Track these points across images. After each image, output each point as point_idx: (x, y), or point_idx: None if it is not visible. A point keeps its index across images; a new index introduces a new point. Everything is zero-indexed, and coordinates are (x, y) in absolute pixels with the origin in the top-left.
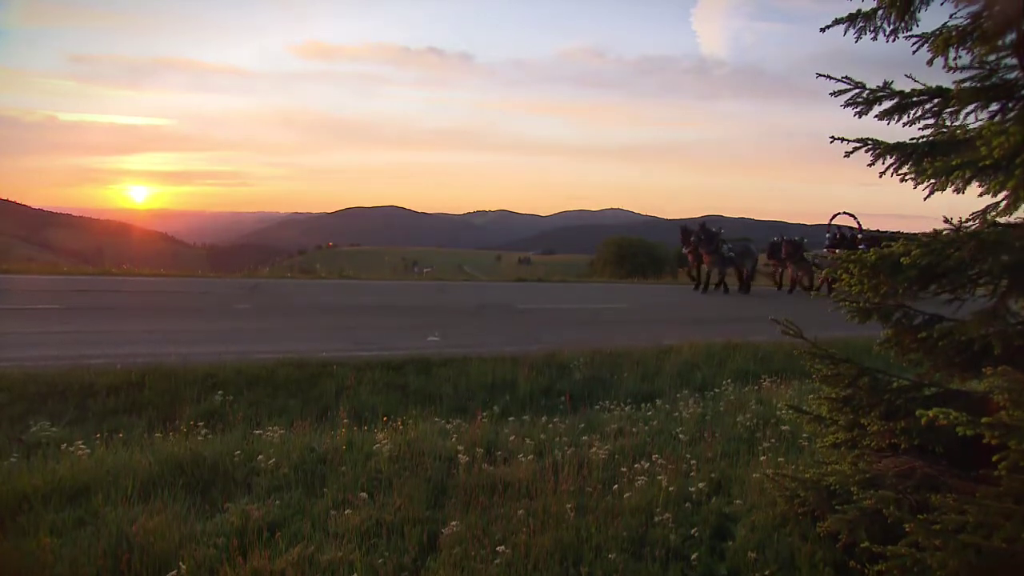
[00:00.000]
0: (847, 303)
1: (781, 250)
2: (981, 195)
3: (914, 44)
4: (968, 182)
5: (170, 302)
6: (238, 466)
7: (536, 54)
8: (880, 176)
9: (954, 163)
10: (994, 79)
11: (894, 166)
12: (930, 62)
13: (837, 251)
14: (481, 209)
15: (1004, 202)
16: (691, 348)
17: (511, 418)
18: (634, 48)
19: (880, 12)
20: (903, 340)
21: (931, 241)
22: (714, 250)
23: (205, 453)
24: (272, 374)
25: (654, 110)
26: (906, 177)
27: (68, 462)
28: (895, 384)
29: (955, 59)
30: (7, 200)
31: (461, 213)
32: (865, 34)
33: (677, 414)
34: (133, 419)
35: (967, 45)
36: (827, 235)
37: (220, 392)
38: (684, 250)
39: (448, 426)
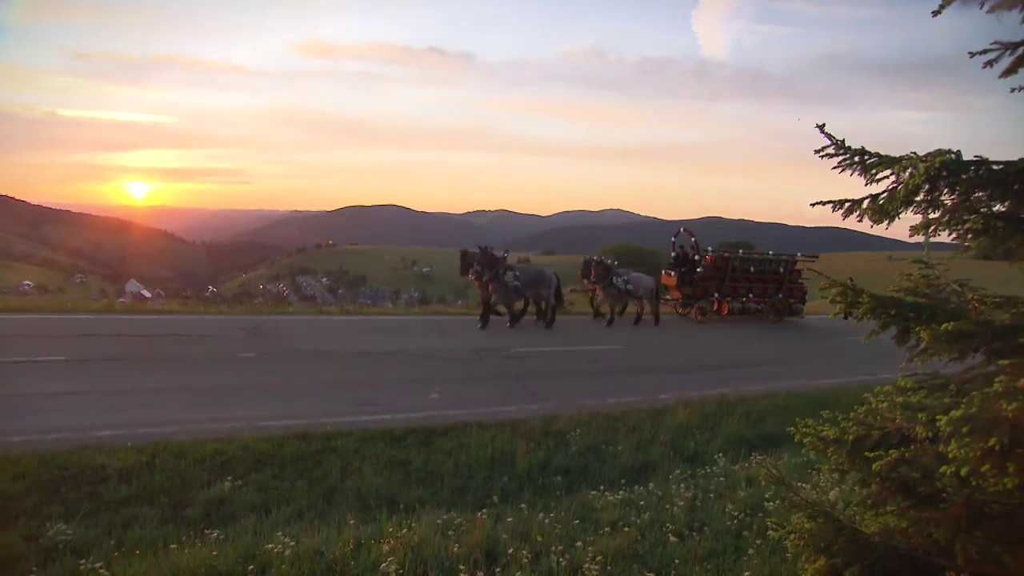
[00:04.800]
0: (830, 466)
1: (591, 271)
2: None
3: (901, 216)
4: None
5: (173, 350)
6: None
7: (537, 54)
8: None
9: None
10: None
11: None
12: (910, 235)
13: (672, 273)
14: (481, 209)
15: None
16: (685, 409)
17: (510, 519)
18: (635, 49)
19: (865, 205)
20: (881, 497)
21: (899, 457)
22: (495, 277)
23: (219, 567)
24: (279, 449)
25: (654, 111)
26: None
27: None
28: (871, 542)
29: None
30: (7, 196)
31: (461, 212)
32: (851, 215)
33: (668, 506)
34: (145, 508)
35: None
36: (672, 253)
37: (229, 478)
38: (470, 278)
39: (450, 532)
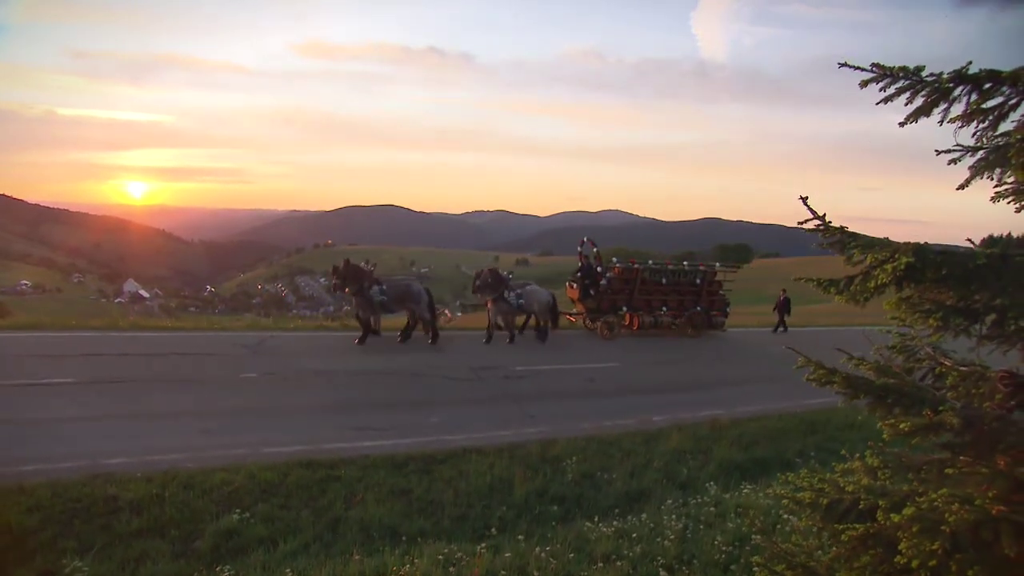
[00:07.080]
0: (802, 519)
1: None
2: None
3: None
4: None
5: (177, 370)
6: None
7: (537, 55)
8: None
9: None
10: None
11: None
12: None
13: (574, 285)
14: (480, 209)
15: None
16: (679, 433)
17: (507, 553)
18: (634, 50)
19: (842, 285)
20: (855, 552)
21: (865, 532)
22: (359, 291)
23: None
24: (284, 478)
25: (654, 112)
26: None
27: None
28: None
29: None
30: (5, 195)
31: (460, 213)
32: (829, 292)
33: (660, 538)
34: (157, 542)
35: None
36: (580, 262)
37: (237, 510)
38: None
39: (451, 567)
